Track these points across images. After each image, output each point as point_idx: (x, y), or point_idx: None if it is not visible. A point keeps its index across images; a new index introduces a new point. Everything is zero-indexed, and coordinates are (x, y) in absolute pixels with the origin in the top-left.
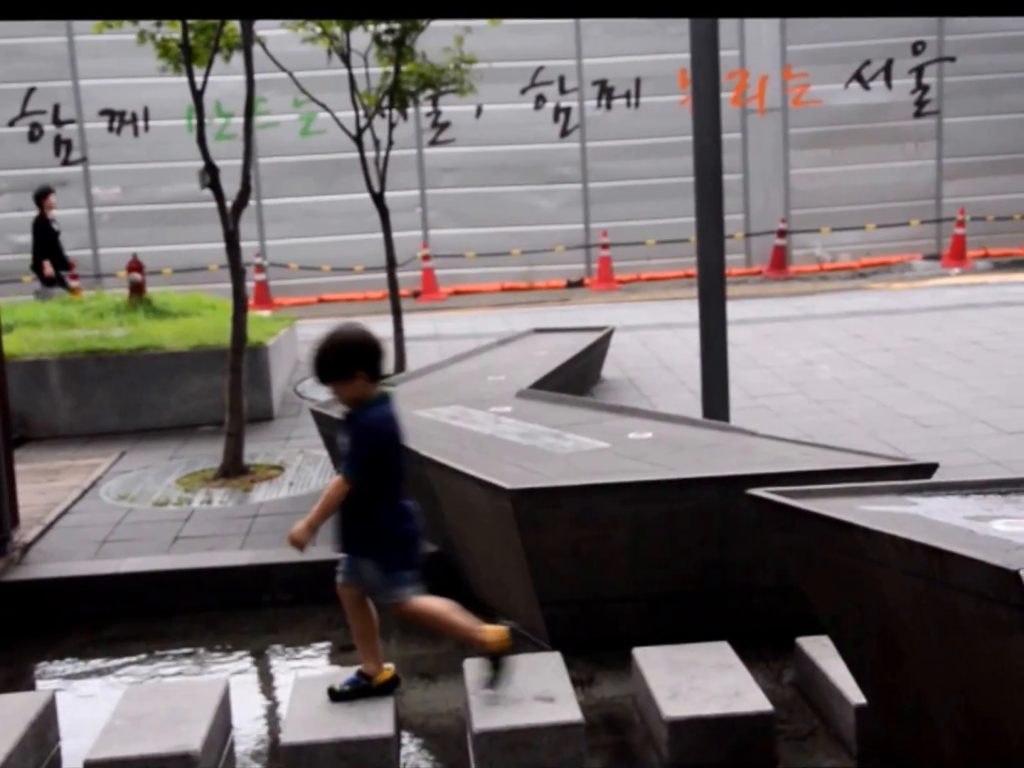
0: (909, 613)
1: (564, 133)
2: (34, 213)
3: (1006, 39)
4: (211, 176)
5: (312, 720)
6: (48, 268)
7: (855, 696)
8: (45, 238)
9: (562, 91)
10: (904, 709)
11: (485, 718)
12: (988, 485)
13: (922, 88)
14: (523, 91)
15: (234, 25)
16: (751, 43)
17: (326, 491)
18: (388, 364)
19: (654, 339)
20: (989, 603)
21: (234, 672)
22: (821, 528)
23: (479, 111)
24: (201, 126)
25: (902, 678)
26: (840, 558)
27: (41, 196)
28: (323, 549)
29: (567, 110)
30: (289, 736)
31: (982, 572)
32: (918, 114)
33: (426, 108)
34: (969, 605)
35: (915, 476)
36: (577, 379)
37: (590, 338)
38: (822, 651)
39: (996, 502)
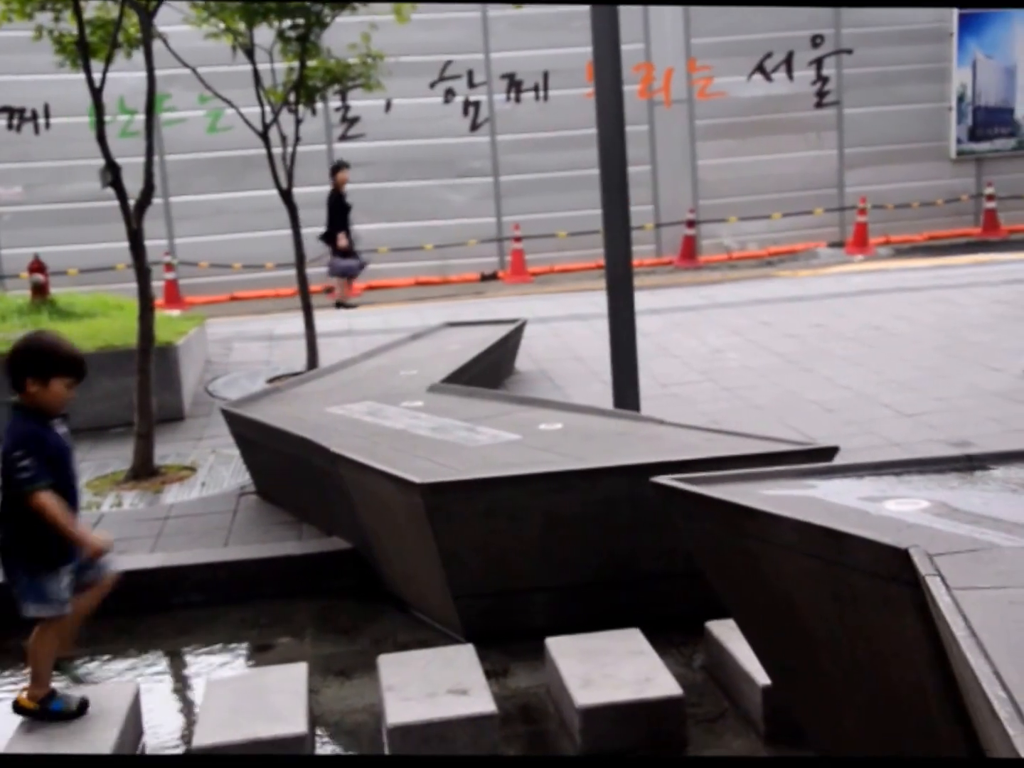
0: (808, 594)
1: (474, 127)
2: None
3: (899, 32)
4: (112, 174)
5: (224, 721)
6: (343, 240)
7: (762, 677)
8: (339, 211)
9: (471, 85)
10: (807, 688)
11: (399, 713)
12: (882, 467)
13: (822, 79)
14: (432, 85)
15: (134, 20)
16: (655, 36)
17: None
18: (300, 361)
19: (566, 330)
20: (882, 582)
21: (146, 675)
22: (723, 513)
23: (388, 105)
24: (101, 123)
25: (804, 658)
26: (742, 542)
27: (335, 170)
28: (235, 550)
29: (476, 104)
30: (200, 738)
31: (875, 552)
32: (819, 105)
33: (335, 103)
34: (864, 584)
35: (817, 459)
36: (490, 372)
37: (502, 331)
38: (730, 634)
39: (890, 483)
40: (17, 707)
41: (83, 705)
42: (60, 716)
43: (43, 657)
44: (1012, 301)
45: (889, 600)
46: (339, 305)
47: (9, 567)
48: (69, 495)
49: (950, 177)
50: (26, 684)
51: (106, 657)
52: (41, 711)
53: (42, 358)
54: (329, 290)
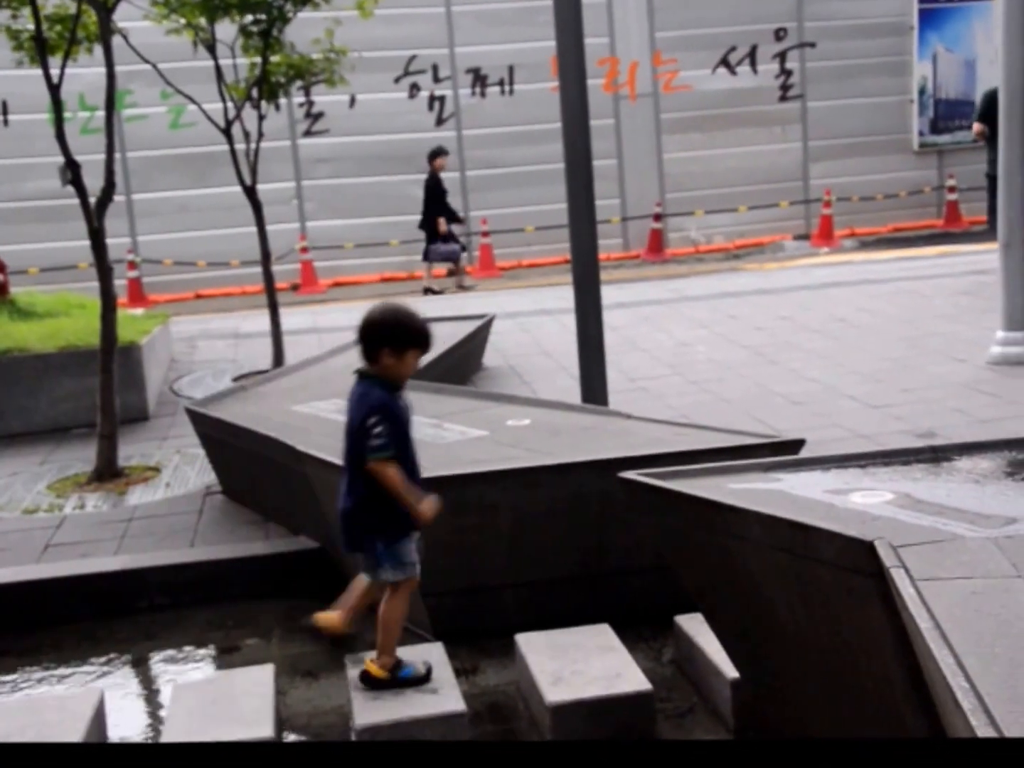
0: (775, 587)
1: (439, 122)
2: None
3: (861, 26)
4: (72, 172)
5: (190, 726)
6: (443, 225)
7: (731, 671)
8: (437, 197)
9: (436, 80)
10: (775, 681)
11: (367, 713)
12: (848, 459)
13: (785, 73)
14: (396, 80)
15: (94, 16)
16: (620, 30)
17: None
18: (266, 359)
19: (535, 325)
20: (848, 573)
21: (110, 682)
22: (690, 508)
23: (353, 101)
24: (60, 120)
25: (771, 651)
26: (708, 536)
27: (434, 156)
28: (201, 551)
29: (441, 99)
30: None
31: (840, 544)
32: (783, 98)
33: (299, 99)
34: (829, 576)
35: (784, 452)
36: (458, 368)
37: (470, 326)
38: (699, 628)
39: (855, 475)
40: (366, 677)
41: (429, 669)
42: (410, 682)
43: (394, 624)
44: (975, 292)
45: (854, 592)
46: (427, 291)
47: (357, 535)
48: (411, 465)
49: (912, 169)
50: (372, 656)
51: (69, 664)
52: (392, 679)
53: (400, 330)
54: (296, 287)
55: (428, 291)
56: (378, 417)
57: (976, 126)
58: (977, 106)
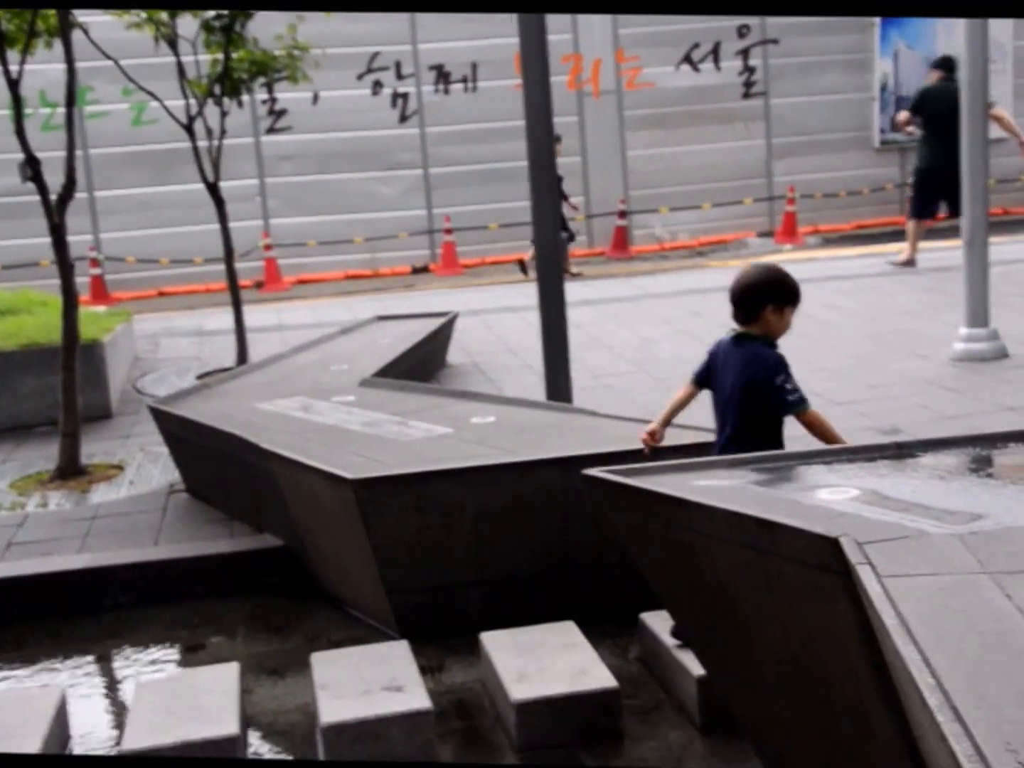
0: (742, 584)
1: (403, 119)
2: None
3: (823, 22)
4: (32, 169)
5: (154, 724)
6: None
7: (696, 668)
8: None
9: (399, 76)
10: (742, 677)
11: (332, 711)
12: (813, 455)
13: (749, 70)
14: (360, 77)
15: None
16: (583, 27)
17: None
18: (229, 357)
19: (499, 323)
20: (814, 571)
21: (73, 680)
22: (655, 505)
23: (316, 98)
24: (19, 117)
25: (738, 648)
26: (674, 533)
27: None
28: (165, 549)
29: (405, 95)
30: (130, 742)
31: (806, 541)
32: (746, 95)
33: (262, 95)
34: (795, 573)
35: None
36: (422, 365)
37: (434, 324)
38: (665, 625)
39: (820, 471)
40: None
41: None
42: None
43: None
44: (938, 288)
45: (821, 589)
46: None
47: None
48: None
49: (874, 166)
50: None
51: (31, 662)
52: None
53: (785, 287)
54: (259, 284)
55: (564, 272)
56: (786, 374)
57: (902, 114)
58: (911, 98)
